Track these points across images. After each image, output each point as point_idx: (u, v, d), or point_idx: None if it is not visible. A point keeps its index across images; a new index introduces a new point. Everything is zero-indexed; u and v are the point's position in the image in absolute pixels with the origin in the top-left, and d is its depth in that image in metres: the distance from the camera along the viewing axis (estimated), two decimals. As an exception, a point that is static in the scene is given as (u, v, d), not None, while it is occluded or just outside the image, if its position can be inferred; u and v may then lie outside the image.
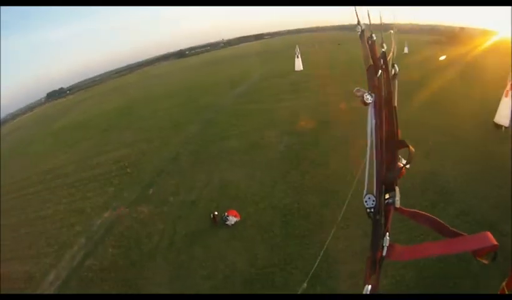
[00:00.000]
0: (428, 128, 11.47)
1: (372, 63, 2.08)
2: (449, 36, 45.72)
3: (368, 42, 2.11)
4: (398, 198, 2.16)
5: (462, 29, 57.62)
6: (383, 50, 2.19)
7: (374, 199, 2.12)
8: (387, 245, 2.07)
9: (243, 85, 22.78)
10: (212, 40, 74.19)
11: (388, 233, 2.10)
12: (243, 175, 9.65)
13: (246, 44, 68.65)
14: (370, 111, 2.03)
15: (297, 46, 26.38)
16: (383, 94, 2.14)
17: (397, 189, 2.18)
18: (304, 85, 20.43)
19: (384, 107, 2.13)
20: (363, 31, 2.09)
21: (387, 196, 2.19)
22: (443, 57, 26.21)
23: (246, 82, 23.61)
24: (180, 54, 65.37)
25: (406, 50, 34.09)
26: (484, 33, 44.23)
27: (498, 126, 11.34)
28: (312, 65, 26.34)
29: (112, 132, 17.28)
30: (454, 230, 2.06)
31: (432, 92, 17.12)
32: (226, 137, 13.05)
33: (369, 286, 2.06)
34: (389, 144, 2.16)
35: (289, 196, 8.30)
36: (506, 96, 11.09)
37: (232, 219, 7.34)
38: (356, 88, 2.00)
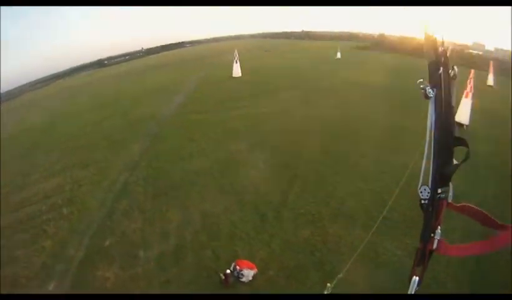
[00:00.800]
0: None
1: (434, 59, 2.17)
2: (373, 42, 49.56)
3: (430, 38, 2.19)
4: (451, 193, 2.26)
5: (381, 35, 63.19)
6: (442, 49, 2.20)
7: (429, 191, 2.21)
8: (438, 238, 2.18)
9: (179, 93, 20.21)
10: (131, 49, 69.48)
11: (439, 227, 2.20)
12: (230, 205, 7.60)
13: (168, 52, 65.13)
14: (431, 106, 2.19)
15: (236, 51, 24.55)
16: (443, 91, 2.19)
17: (451, 184, 2.25)
18: (251, 91, 18.86)
19: (443, 105, 2.20)
20: (426, 26, 2.20)
21: (439, 191, 2.23)
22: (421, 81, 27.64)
23: (182, 90, 21.04)
24: (100, 64, 59.60)
25: (338, 55, 35.19)
26: (403, 39, 50.49)
27: (460, 125, 12.05)
28: (249, 72, 24.85)
29: (35, 155, 13.17)
30: (502, 223, 2.12)
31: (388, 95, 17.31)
32: (185, 156, 10.62)
33: (417, 278, 2.18)
34: (447, 140, 2.24)
35: (303, 227, 6.64)
36: (466, 97, 12.11)
37: (248, 273, 5.29)
38: (420, 80, 2.17)
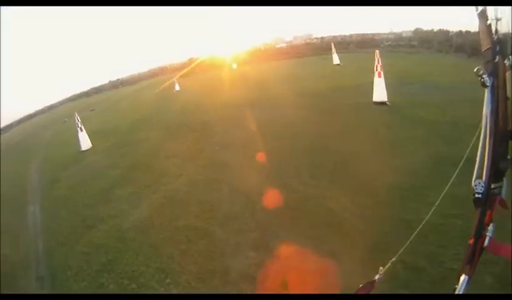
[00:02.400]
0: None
1: (490, 46, 2.07)
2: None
3: (485, 25, 2.12)
4: (504, 189, 2.10)
5: (190, 59, 66.36)
6: (498, 37, 2.11)
7: (483, 185, 2.05)
8: (491, 235, 1.99)
9: (28, 201, 11.72)
10: None
11: (492, 223, 2.02)
12: None
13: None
14: (488, 95, 2.03)
15: (76, 114, 17.81)
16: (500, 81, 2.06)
17: (505, 180, 2.11)
18: (124, 165, 12.50)
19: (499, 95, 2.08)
20: (482, 12, 2.15)
21: (493, 186, 2.09)
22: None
23: (30, 193, 12.76)
24: None
25: (177, 87, 32.88)
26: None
27: (380, 103, 12.50)
28: (95, 138, 18.27)
29: None
30: None
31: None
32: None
33: (467, 276, 1.93)
34: (502, 133, 2.09)
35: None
36: (380, 77, 12.42)
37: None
38: (478, 67, 2.00)
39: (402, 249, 2.40)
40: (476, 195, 2.02)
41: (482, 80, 1.97)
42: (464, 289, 1.85)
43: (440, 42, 39.93)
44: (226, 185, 8.48)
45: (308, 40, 77.35)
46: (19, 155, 24.92)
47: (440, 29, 50.02)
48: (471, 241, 1.97)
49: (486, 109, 2.03)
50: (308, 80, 22.37)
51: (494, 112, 2.01)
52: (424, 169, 7.37)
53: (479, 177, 2.03)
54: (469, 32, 33.43)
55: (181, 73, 49.78)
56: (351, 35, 63.59)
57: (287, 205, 6.86)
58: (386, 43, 48.86)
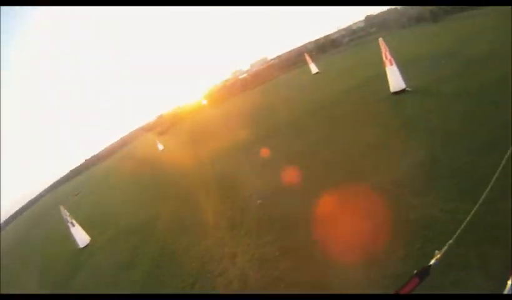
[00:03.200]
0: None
1: None
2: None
3: None
4: None
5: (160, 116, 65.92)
6: None
7: None
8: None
9: None
10: None
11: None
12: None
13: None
14: None
15: (61, 207, 14.86)
16: None
17: None
18: (143, 260, 9.08)
19: None
20: None
21: None
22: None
23: None
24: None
25: (160, 147, 30.69)
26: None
27: (400, 92, 11.42)
28: (93, 227, 15.46)
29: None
30: None
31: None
32: None
33: None
34: None
35: None
36: (391, 65, 11.36)
37: None
38: None
39: (460, 229, 2.04)
40: None
41: None
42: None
43: (396, 19, 39.89)
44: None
45: (264, 64, 77.12)
46: (14, 269, 21.59)
47: (389, 8, 49.97)
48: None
49: None
50: (304, 98, 20.32)
51: None
52: None
53: None
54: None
55: (155, 130, 47.90)
56: (305, 46, 62.33)
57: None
58: (345, 40, 48.21)
